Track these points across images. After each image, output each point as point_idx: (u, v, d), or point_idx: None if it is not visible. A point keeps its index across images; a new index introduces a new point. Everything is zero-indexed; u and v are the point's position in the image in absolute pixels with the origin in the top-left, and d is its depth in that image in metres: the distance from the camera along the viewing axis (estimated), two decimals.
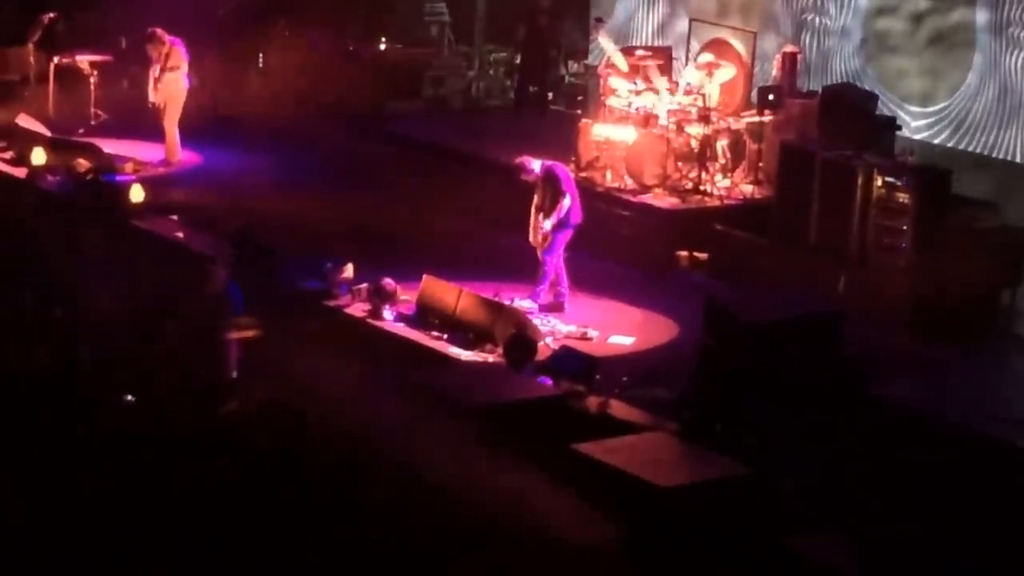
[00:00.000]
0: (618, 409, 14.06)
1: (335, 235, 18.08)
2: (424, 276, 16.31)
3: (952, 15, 19.71)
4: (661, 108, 19.30)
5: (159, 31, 21.16)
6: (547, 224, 16.39)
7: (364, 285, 16.47)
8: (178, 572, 11.34)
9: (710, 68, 19.62)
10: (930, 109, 19.90)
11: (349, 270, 16.61)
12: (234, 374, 14.17)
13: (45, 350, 14.55)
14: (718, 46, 20.62)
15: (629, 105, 19.50)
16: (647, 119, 19.16)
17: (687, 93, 19.52)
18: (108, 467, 12.52)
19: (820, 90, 19.22)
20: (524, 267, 16.65)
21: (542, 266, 16.45)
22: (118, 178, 19.85)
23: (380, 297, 16.22)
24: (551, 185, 16.49)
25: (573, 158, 19.14)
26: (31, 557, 11.40)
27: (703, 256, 18.01)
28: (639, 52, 20.56)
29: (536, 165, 16.61)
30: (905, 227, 16.47)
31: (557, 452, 12.72)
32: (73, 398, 13.68)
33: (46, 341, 14.71)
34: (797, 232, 17.32)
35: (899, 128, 18.55)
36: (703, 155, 19.07)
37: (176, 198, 19.36)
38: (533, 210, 16.57)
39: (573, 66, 24.29)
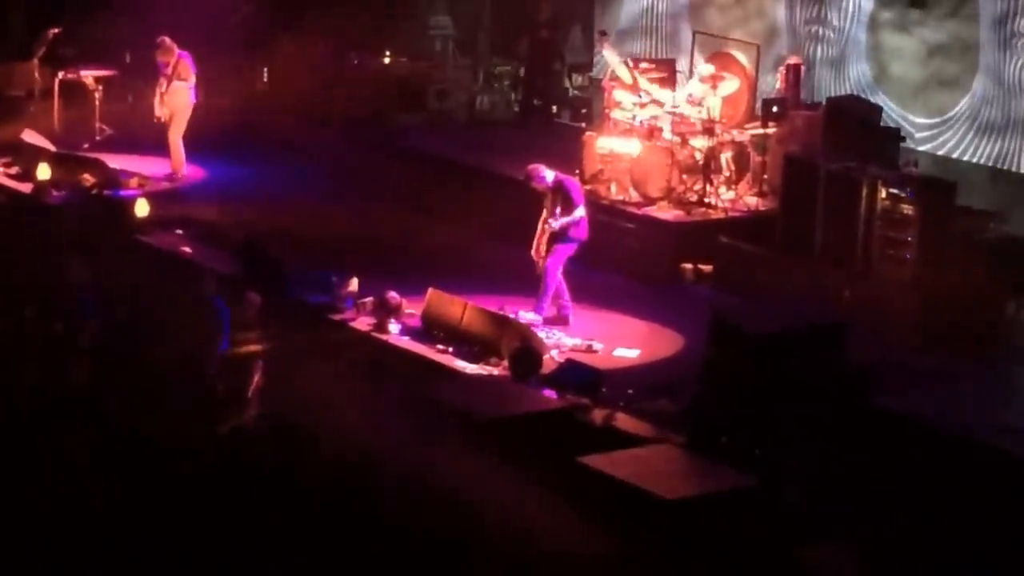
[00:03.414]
0: (624, 421, 14.05)
1: (340, 248, 18.08)
2: (429, 289, 16.30)
3: (956, 26, 19.71)
4: (665, 119, 19.30)
5: (167, 40, 21.16)
6: (555, 224, 16.32)
7: (369, 299, 16.46)
8: None
9: (714, 80, 19.61)
10: (935, 120, 19.90)
11: (354, 284, 16.59)
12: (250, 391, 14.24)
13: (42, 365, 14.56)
14: (722, 58, 20.61)
15: (633, 118, 19.49)
16: (652, 131, 19.15)
17: (689, 104, 19.50)
18: (113, 479, 12.55)
19: (824, 102, 19.22)
20: (529, 280, 16.63)
21: (544, 277, 16.42)
22: (123, 193, 19.92)
23: (385, 310, 16.21)
24: (561, 197, 16.43)
25: (578, 171, 19.12)
26: (31, 560, 11.43)
27: (708, 268, 18.01)
28: (643, 65, 20.57)
29: (549, 175, 16.53)
30: (910, 238, 16.46)
31: (563, 465, 12.72)
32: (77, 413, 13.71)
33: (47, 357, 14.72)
34: (802, 244, 17.30)
35: (904, 139, 18.54)
36: (707, 167, 19.06)
37: (181, 212, 19.38)
38: (541, 223, 16.54)
39: (577, 79, 24.28)
